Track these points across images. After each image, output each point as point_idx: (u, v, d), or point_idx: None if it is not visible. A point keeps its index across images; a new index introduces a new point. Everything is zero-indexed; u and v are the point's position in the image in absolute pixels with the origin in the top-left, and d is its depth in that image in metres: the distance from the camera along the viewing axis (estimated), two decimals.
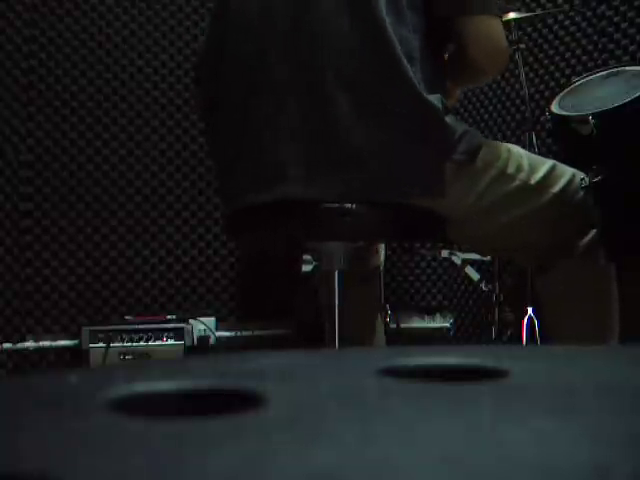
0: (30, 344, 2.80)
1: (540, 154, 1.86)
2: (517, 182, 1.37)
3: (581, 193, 1.38)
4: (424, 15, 1.33)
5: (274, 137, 1.34)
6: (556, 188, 1.38)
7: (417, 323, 3.24)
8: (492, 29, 1.38)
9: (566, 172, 1.41)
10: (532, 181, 1.37)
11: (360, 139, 1.28)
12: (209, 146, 1.62)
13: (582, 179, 1.36)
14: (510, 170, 1.37)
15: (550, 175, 1.39)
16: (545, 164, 1.41)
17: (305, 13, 1.31)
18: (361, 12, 1.28)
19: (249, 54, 1.36)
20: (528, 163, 1.39)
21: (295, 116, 1.32)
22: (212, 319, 2.95)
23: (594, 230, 1.39)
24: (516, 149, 1.44)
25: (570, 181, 1.39)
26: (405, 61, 1.27)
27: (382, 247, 1.91)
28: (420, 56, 1.31)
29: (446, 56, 1.50)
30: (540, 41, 2.80)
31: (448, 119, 1.30)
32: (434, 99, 1.28)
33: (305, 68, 1.31)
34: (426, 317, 3.26)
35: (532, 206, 1.37)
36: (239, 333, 3.02)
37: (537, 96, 2.79)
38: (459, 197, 1.33)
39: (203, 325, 2.87)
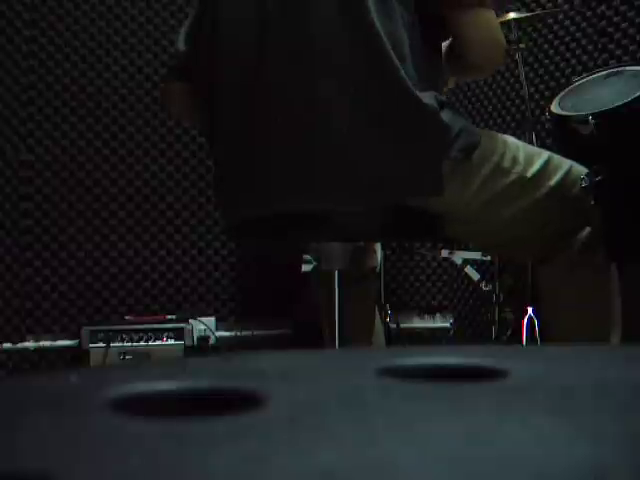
0: (30, 344, 2.80)
1: None
2: (513, 176, 1.35)
3: (578, 186, 1.36)
4: (416, 11, 1.31)
5: (268, 150, 1.34)
6: (552, 181, 1.36)
7: (417, 323, 3.24)
8: (487, 23, 1.34)
9: (562, 164, 1.39)
10: (528, 174, 1.36)
11: (355, 144, 1.27)
12: (210, 147, 1.62)
13: (582, 179, 1.36)
14: (506, 164, 1.35)
15: (546, 168, 1.37)
16: (541, 157, 1.39)
17: (298, 14, 1.30)
18: (352, 12, 1.27)
19: (244, 59, 1.35)
20: (524, 155, 1.38)
21: (289, 123, 1.31)
22: (212, 319, 2.96)
23: (592, 224, 1.38)
24: (512, 141, 1.42)
25: (567, 174, 1.38)
26: (396, 60, 1.25)
27: (379, 248, 1.90)
28: (412, 53, 1.29)
29: (444, 46, 1.47)
30: (540, 41, 2.80)
31: (445, 115, 1.28)
32: (428, 97, 1.26)
33: (299, 72, 1.30)
34: (426, 317, 3.26)
35: (529, 200, 1.36)
36: (239, 333, 3.02)
37: (537, 96, 2.79)
38: (456, 195, 1.32)
39: (203, 325, 2.87)
